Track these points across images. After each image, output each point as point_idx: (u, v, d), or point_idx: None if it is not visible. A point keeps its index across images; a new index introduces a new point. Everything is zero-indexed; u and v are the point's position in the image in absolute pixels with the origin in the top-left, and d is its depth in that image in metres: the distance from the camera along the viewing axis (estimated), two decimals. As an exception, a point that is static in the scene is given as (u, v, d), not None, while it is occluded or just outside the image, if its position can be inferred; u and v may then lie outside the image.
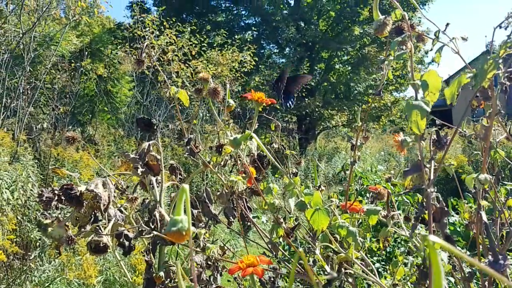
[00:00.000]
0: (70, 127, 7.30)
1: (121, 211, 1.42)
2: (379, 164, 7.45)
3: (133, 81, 9.77)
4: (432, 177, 0.79)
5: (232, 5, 17.25)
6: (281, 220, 1.10)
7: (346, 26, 15.80)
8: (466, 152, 9.81)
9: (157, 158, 1.43)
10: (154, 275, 1.37)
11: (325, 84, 16.03)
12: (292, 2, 16.79)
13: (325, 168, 9.97)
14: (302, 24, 16.03)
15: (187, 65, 7.94)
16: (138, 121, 1.56)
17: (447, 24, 0.97)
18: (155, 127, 1.53)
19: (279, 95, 1.32)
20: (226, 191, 1.21)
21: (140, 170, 1.38)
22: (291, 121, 15.55)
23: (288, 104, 1.35)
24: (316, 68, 15.89)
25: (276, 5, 16.01)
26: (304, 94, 13.36)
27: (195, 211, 1.55)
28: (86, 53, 7.92)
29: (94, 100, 11.19)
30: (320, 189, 1.18)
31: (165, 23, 7.86)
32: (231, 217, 1.56)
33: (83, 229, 1.32)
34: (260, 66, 13.38)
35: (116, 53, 10.73)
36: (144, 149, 1.43)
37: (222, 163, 1.25)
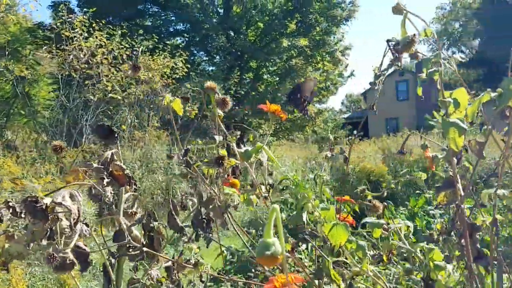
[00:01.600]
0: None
1: (87, 225, 1.34)
2: (309, 173, 7.69)
3: (55, 83, 9.24)
4: (463, 194, 0.84)
5: (160, 10, 16.96)
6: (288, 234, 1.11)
7: (274, 38, 16.18)
8: (386, 161, 10.44)
9: (123, 168, 1.38)
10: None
11: (253, 93, 16.27)
12: (221, 11, 16.89)
13: (257, 177, 10.09)
14: (232, 34, 16.17)
15: (117, 69, 7.67)
16: (97, 129, 1.47)
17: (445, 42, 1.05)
18: (116, 136, 1.46)
19: (298, 106, 1.34)
20: (219, 204, 1.19)
21: (106, 180, 1.31)
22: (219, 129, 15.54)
23: (304, 111, 1.38)
24: (244, 77, 16.08)
25: (205, 13, 16.00)
26: (234, 102, 13.47)
27: (155, 223, 1.50)
28: (6, 53, 7.37)
29: (9, 102, 10.41)
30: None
31: (94, 25, 7.55)
32: (199, 230, 1.53)
33: (33, 244, 1.24)
34: (191, 73, 13.28)
35: (34, 54, 10.10)
36: (107, 158, 1.36)
37: (215, 174, 1.23)
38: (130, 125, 8.72)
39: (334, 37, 17.79)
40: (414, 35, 0.88)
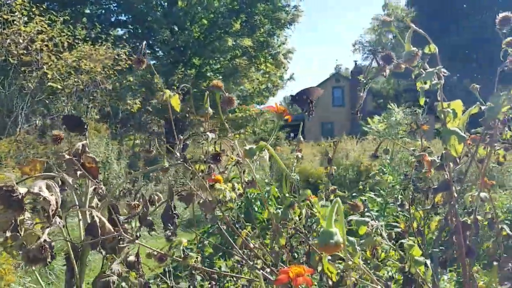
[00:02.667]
0: None
1: (60, 217, 1.33)
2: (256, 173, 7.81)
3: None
4: (456, 195, 0.95)
5: (101, -2, 16.36)
6: (282, 229, 1.17)
7: (219, 36, 16.17)
8: (323, 164, 10.87)
9: (96, 160, 1.38)
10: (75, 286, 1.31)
11: (195, 90, 16.13)
12: (165, 4, 16.59)
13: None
14: (176, 28, 15.95)
15: (58, 57, 7.34)
16: (65, 120, 1.46)
17: (433, 53, 1.16)
18: (85, 127, 1.45)
19: (303, 106, 1.41)
20: (210, 199, 1.24)
21: (79, 173, 1.31)
22: (159, 125, 15.33)
23: (310, 112, 1.45)
24: (187, 73, 15.93)
25: (149, 5, 15.63)
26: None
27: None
28: None
29: None
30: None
31: (35, 10, 7.17)
32: (169, 225, 1.56)
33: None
34: (133, 65, 12.92)
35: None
36: (78, 150, 1.36)
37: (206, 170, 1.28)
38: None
39: (277, 40, 18.11)
40: (418, 50, 0.98)
